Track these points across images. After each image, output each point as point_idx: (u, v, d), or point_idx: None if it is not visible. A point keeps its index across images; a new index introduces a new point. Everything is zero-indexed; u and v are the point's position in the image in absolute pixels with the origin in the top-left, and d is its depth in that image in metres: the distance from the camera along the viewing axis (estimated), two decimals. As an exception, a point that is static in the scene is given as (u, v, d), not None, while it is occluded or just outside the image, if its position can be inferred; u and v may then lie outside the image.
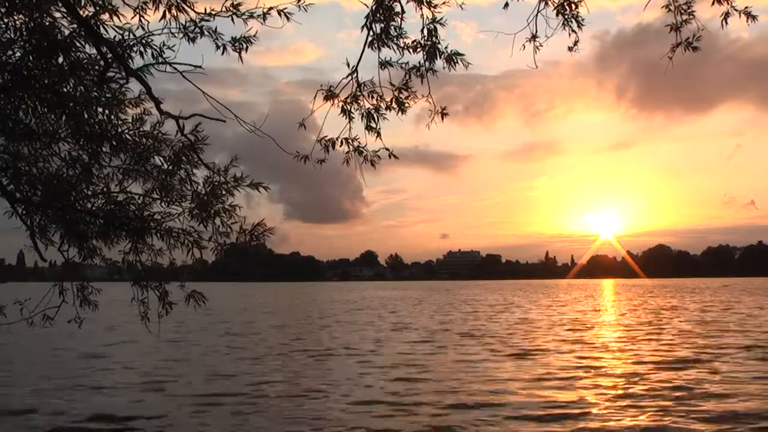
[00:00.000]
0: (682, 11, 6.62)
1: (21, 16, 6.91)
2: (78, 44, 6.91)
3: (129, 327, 30.15)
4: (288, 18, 6.99)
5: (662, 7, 6.68)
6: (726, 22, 6.41)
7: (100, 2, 6.81)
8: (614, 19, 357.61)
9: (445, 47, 7.20)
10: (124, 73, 7.21)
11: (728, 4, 6.40)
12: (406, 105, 7.48)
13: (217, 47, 7.24)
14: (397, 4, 7.04)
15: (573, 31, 6.92)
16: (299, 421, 11.74)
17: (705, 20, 6.65)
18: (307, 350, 22.77)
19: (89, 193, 8.04)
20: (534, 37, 6.97)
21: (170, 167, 7.82)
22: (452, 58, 7.21)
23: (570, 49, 7.10)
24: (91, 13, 6.81)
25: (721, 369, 17.12)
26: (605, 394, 14.04)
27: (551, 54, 7.40)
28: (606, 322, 35.14)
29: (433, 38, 7.17)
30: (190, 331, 30.01)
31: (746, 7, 6.41)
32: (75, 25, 6.84)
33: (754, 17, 6.43)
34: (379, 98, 7.48)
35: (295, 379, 16.44)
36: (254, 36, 7.24)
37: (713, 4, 6.45)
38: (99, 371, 18.04)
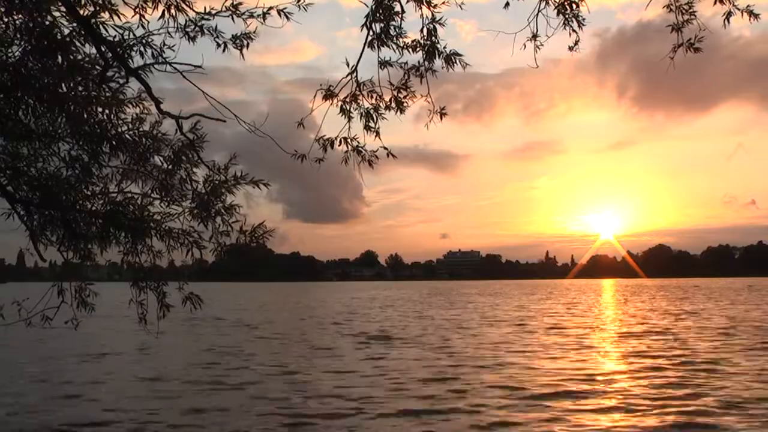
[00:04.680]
0: (684, 11, 6.57)
1: (21, 15, 6.89)
2: (77, 44, 6.89)
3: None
4: (288, 17, 6.98)
5: (663, 7, 6.65)
6: (728, 21, 6.37)
7: (100, 1, 6.79)
8: (615, 16, 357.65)
9: (444, 47, 7.19)
10: (123, 73, 7.19)
11: (730, 3, 6.36)
12: (405, 104, 7.47)
13: (218, 46, 7.22)
14: (397, 3, 7.03)
15: (574, 30, 6.91)
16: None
17: (706, 18, 6.61)
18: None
19: (89, 193, 8.02)
20: (535, 36, 6.95)
21: (170, 167, 7.80)
22: (451, 58, 7.20)
23: (571, 49, 7.08)
24: (90, 12, 6.79)
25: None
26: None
27: (551, 52, 7.37)
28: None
29: (433, 38, 7.16)
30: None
31: (748, 6, 6.37)
32: (75, 25, 6.82)
33: (756, 15, 6.39)
34: (378, 98, 7.46)
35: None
36: (254, 32, 7.22)
37: (715, 3, 6.41)
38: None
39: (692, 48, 6.61)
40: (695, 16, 6.55)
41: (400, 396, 13.99)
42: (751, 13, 6.38)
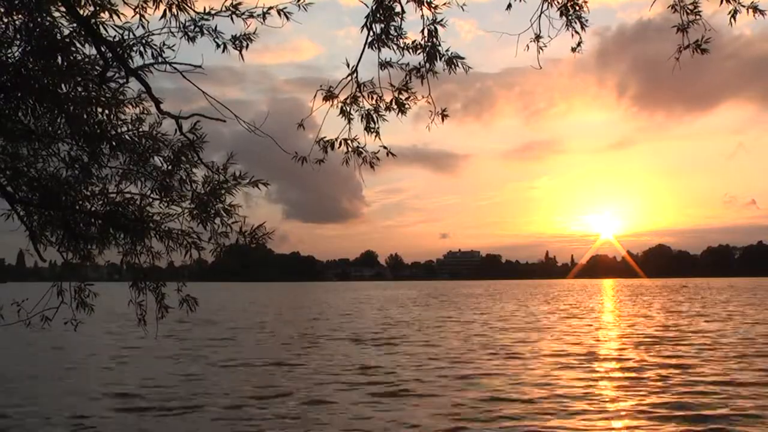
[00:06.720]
0: (689, 11, 6.51)
1: (21, 16, 6.86)
2: (78, 44, 6.86)
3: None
4: (288, 17, 6.94)
5: (668, 7, 6.57)
6: (734, 19, 6.29)
7: (100, 1, 6.76)
8: (615, 15, 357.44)
9: (446, 50, 7.13)
10: (123, 73, 7.16)
11: (736, 1, 6.29)
12: (407, 106, 7.42)
13: (217, 46, 7.19)
14: (397, 4, 6.98)
15: (576, 32, 6.87)
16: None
17: (707, 17, 6.52)
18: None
19: (88, 193, 7.99)
20: (538, 37, 6.91)
21: (170, 167, 7.78)
22: (453, 60, 7.14)
23: (573, 50, 7.05)
24: (90, 12, 6.76)
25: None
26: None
27: (551, 51, 7.30)
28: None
29: (434, 39, 7.11)
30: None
31: (752, 2, 6.29)
32: (75, 25, 6.79)
33: (762, 12, 6.30)
34: (378, 99, 7.42)
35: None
36: (254, 33, 7.19)
37: (721, 3, 6.33)
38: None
39: (699, 49, 6.54)
40: (700, 16, 6.48)
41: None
42: (756, 9, 6.29)
